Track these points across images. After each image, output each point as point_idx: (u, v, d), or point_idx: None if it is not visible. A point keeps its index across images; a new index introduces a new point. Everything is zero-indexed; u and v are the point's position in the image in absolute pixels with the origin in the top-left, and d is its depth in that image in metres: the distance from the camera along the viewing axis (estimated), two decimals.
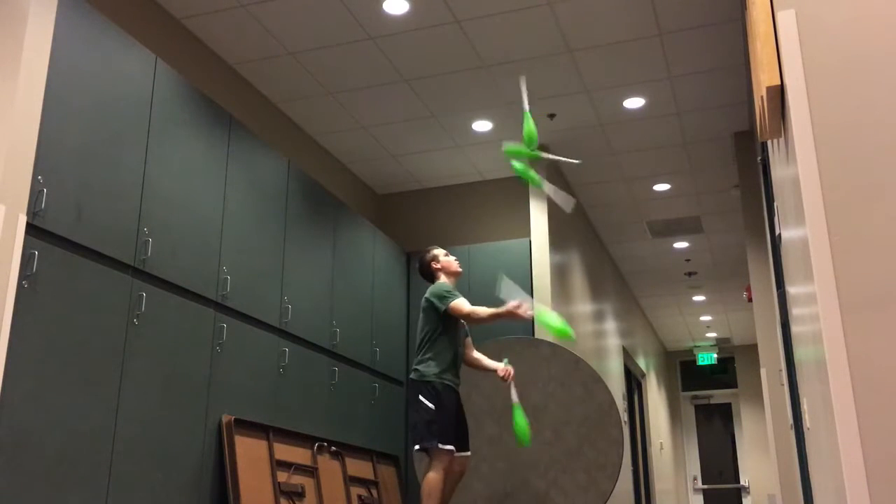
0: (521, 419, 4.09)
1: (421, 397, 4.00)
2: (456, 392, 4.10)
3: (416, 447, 3.97)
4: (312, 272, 5.19)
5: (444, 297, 4.12)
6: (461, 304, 4.08)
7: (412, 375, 4.11)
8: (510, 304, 3.95)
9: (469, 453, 4.15)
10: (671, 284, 10.32)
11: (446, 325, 4.12)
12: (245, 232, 4.52)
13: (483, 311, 4.04)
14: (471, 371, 5.38)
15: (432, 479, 3.86)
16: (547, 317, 3.96)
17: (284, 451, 4.61)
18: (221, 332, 4.21)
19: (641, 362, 10.82)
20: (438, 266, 4.33)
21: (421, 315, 4.21)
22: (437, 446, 3.89)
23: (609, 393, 5.17)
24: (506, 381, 4.23)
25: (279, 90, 5.69)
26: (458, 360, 4.18)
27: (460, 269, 4.39)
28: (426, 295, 4.20)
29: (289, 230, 4.98)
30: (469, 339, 4.44)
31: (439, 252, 4.38)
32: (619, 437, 5.02)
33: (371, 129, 6.25)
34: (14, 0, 3.21)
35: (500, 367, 4.27)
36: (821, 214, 2.03)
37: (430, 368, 4.05)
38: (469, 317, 4.05)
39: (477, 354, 4.42)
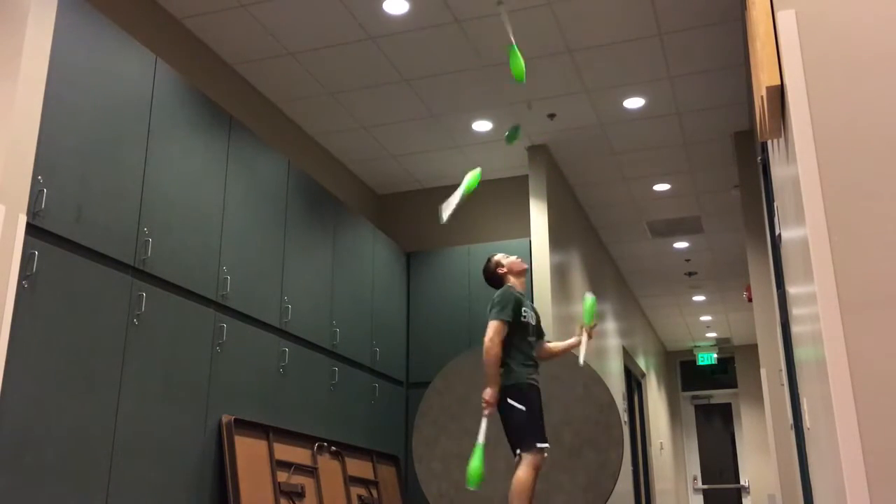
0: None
1: (510, 400, 3.90)
2: (538, 389, 4.01)
3: (517, 451, 3.84)
4: (312, 272, 5.19)
5: (493, 309, 4.04)
6: (492, 328, 3.96)
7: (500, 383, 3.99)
8: (489, 398, 3.88)
9: (547, 444, 3.99)
10: (671, 284, 10.32)
11: (512, 326, 4.02)
12: (245, 232, 4.52)
13: (494, 350, 3.94)
14: (470, 373, 5.39)
15: (524, 478, 3.75)
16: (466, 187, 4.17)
17: (284, 451, 4.61)
18: (221, 332, 4.21)
19: (641, 362, 10.83)
20: (504, 270, 4.25)
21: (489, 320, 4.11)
22: (536, 446, 3.81)
23: (609, 393, 5.17)
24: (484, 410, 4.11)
25: (279, 90, 5.69)
26: (534, 358, 4.08)
27: (526, 266, 4.32)
28: (491, 302, 4.11)
29: (289, 230, 4.98)
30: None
31: (500, 256, 4.31)
32: (619, 437, 5.02)
33: (371, 129, 6.25)
34: (14, 0, 3.21)
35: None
36: (821, 214, 2.03)
37: (510, 371, 3.96)
38: (485, 350, 3.94)
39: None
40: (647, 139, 6.45)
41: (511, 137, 4.40)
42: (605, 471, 4.97)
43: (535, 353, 4.12)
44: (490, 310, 4.07)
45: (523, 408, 3.88)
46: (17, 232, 3.03)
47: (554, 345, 4.41)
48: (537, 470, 3.81)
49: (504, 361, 4.00)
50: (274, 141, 5.77)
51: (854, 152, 2.05)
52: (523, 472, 3.77)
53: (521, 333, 4.07)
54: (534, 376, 4.01)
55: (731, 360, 13.68)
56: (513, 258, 4.32)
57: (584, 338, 4.35)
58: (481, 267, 4.46)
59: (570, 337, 4.59)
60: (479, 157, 6.72)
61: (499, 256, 4.32)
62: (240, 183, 4.53)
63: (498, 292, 4.17)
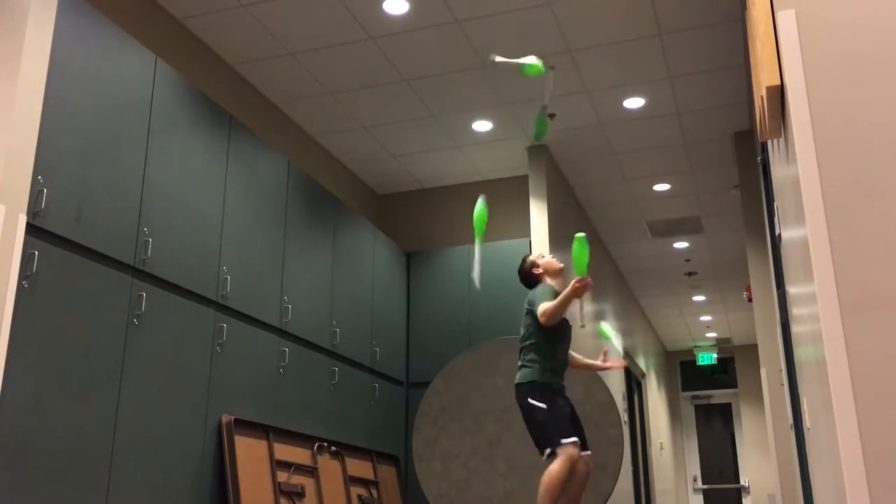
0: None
1: (530, 400, 3.84)
2: (560, 394, 3.93)
3: (547, 451, 3.75)
4: (312, 272, 5.19)
5: (537, 300, 3.94)
6: (542, 308, 3.87)
7: (517, 380, 3.94)
8: (572, 284, 3.75)
9: (589, 452, 3.94)
10: (671, 284, 10.32)
11: (545, 328, 3.92)
12: (245, 232, 4.52)
13: (552, 304, 3.83)
14: (470, 373, 5.39)
15: (554, 471, 3.64)
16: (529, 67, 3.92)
17: (284, 451, 4.62)
18: (221, 332, 4.21)
19: (641, 362, 10.82)
20: (540, 271, 4.15)
21: (523, 317, 4.05)
22: (561, 443, 3.70)
23: (609, 393, 5.17)
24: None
25: (279, 90, 5.69)
26: (561, 363, 3.99)
27: (562, 265, 4.22)
28: (528, 297, 4.05)
29: (289, 230, 4.98)
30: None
31: (535, 256, 4.22)
32: (619, 437, 5.02)
33: (371, 129, 6.25)
34: (14, 0, 3.21)
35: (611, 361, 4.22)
36: (821, 214, 2.03)
37: (532, 370, 3.89)
38: (547, 316, 3.83)
39: (574, 355, 4.27)
40: (647, 139, 6.45)
41: (540, 126, 4.30)
42: (605, 471, 4.97)
43: (563, 360, 4.01)
44: (534, 302, 3.95)
45: (544, 406, 3.80)
46: (17, 232, 3.03)
47: (580, 358, 4.30)
48: (573, 464, 3.68)
49: (528, 359, 3.93)
50: (274, 141, 5.77)
51: (854, 152, 2.05)
52: (555, 465, 3.66)
53: (560, 332, 3.98)
54: (552, 379, 3.90)
55: (731, 360, 13.68)
56: (548, 258, 4.21)
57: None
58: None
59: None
60: (479, 157, 6.72)
61: (534, 256, 4.23)
62: (240, 183, 4.53)
63: (538, 287, 4.06)
